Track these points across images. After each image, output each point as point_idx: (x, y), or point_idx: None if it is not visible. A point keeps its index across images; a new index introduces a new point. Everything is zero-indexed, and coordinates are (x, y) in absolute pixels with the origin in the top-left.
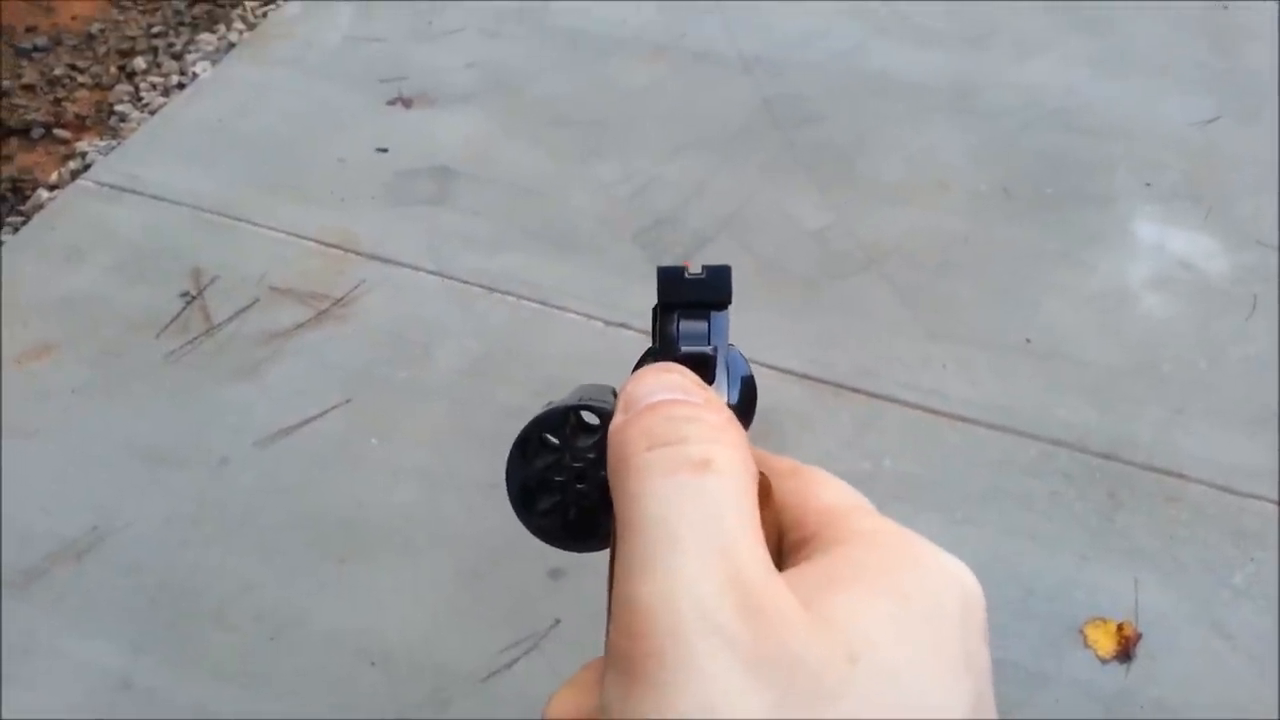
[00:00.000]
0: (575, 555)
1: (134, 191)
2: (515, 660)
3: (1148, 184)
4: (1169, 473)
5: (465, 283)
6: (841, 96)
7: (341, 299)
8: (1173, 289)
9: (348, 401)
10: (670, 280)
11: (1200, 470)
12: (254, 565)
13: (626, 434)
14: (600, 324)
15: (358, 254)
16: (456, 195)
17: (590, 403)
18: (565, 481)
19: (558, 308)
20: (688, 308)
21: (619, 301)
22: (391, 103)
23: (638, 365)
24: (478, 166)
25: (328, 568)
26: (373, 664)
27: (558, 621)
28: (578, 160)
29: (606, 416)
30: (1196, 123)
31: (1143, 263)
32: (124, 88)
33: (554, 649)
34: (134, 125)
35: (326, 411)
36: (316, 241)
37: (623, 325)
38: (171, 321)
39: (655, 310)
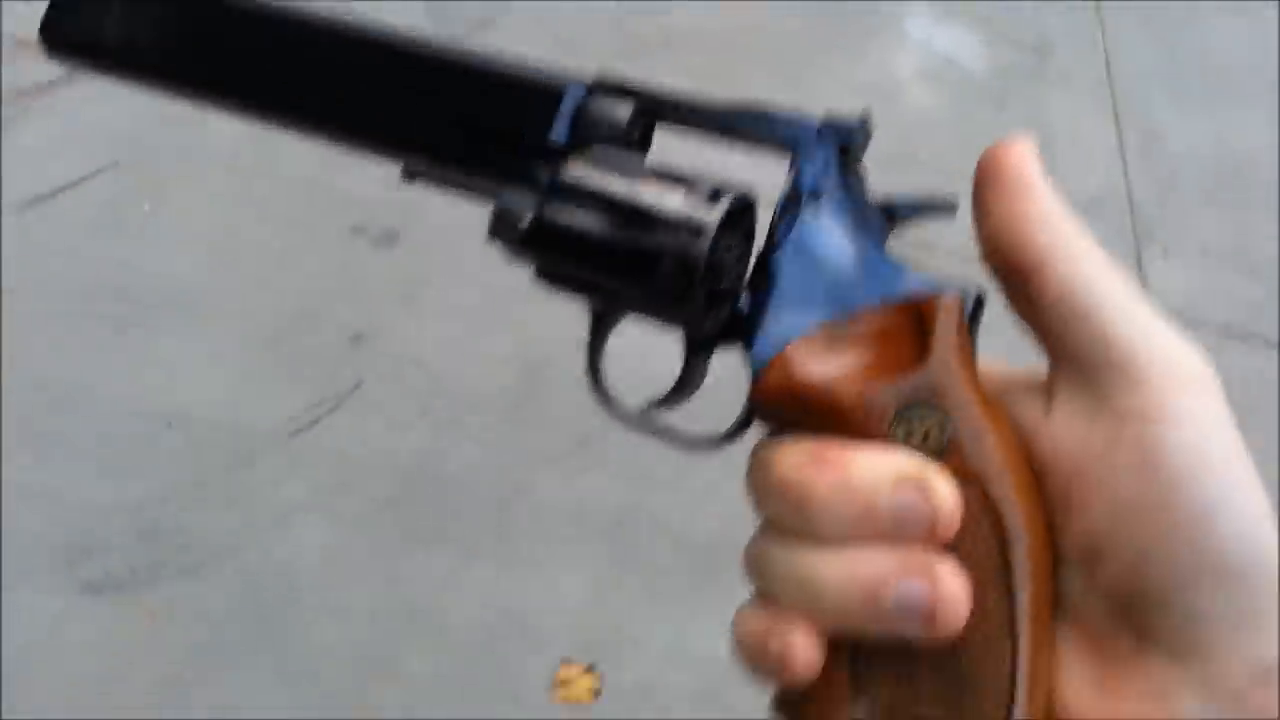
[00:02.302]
0: (373, 321)
1: None
2: (318, 419)
3: None
4: (919, 245)
5: None
6: None
7: None
8: (936, 82)
9: (115, 165)
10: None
11: (947, 246)
12: (25, 335)
13: None
14: None
15: None
16: None
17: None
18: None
19: None
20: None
21: None
22: None
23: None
24: None
25: (108, 335)
26: (170, 426)
27: (360, 382)
28: None
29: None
30: None
31: (911, 57)
32: None
33: (358, 406)
34: None
35: (91, 175)
36: None
37: None
38: None
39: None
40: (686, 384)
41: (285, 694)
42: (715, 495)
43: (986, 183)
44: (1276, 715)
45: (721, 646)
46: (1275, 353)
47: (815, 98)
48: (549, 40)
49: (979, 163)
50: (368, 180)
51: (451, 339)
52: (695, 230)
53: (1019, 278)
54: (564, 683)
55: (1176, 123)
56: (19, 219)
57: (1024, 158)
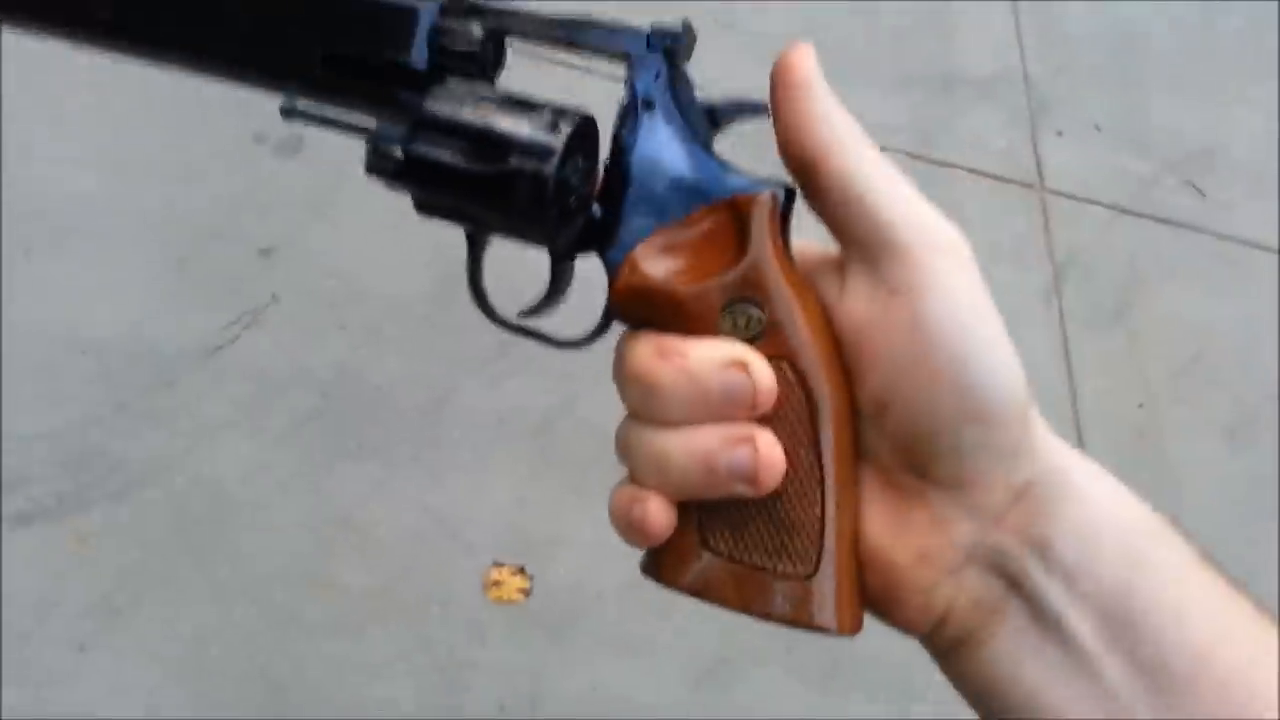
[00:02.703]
0: (283, 234)
1: None
2: (237, 336)
3: None
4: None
5: None
6: None
7: None
8: None
9: None
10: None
11: None
12: None
13: None
14: None
15: None
16: None
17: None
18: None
19: None
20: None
21: None
22: None
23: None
24: None
25: (11, 260)
26: (84, 352)
27: (275, 297)
28: None
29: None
30: None
31: None
32: None
33: (275, 321)
34: None
35: None
36: None
37: None
38: None
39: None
40: (555, 292)
41: (218, 611)
42: None
43: (776, 87)
44: (1031, 529)
45: None
46: (1166, 229)
47: None
48: None
49: (772, 69)
50: None
51: (364, 247)
52: (543, 154)
53: (806, 171)
54: (495, 584)
55: (1071, 1)
56: None
57: (805, 62)
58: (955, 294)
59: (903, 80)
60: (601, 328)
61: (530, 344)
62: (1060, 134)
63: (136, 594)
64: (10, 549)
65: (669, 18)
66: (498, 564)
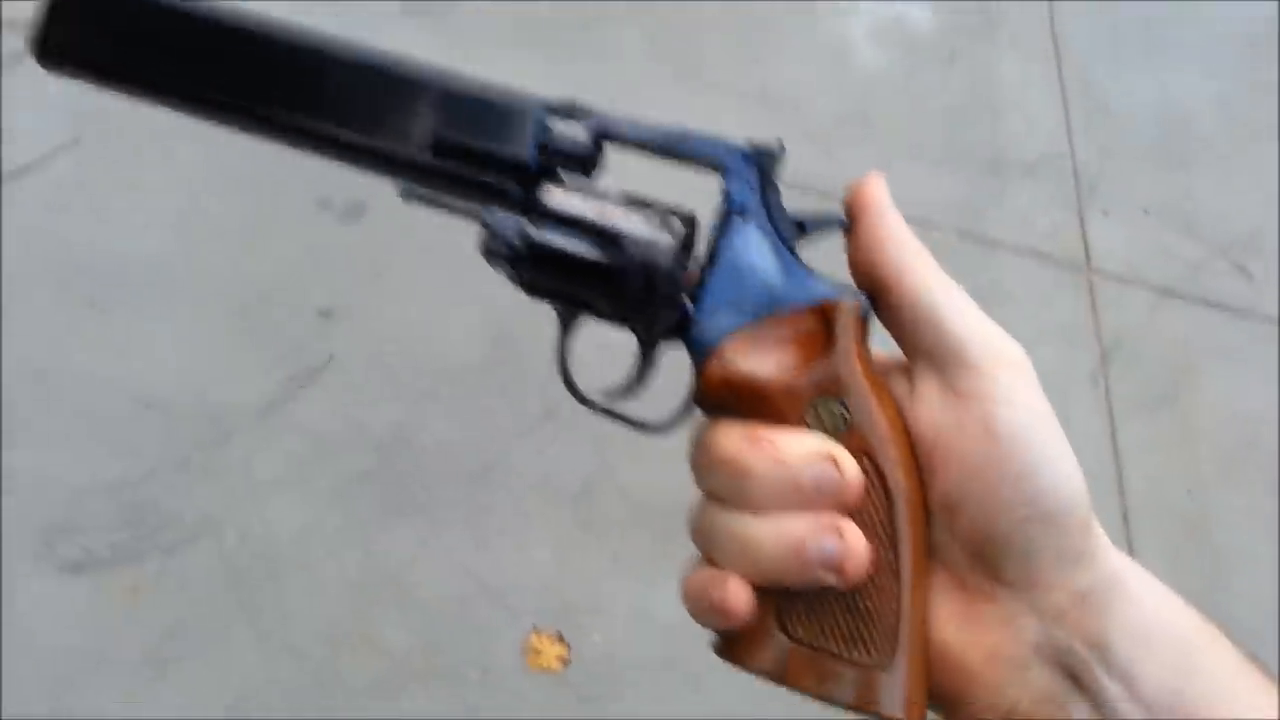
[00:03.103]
0: (342, 296)
1: None
2: (292, 395)
3: None
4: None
5: None
6: None
7: None
8: (885, 42)
9: (76, 142)
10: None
11: (897, 204)
12: None
13: None
14: None
15: None
16: None
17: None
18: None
19: None
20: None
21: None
22: None
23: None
24: None
25: (81, 315)
26: (147, 406)
27: (332, 357)
28: None
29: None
30: None
31: (862, 17)
32: None
33: (331, 381)
34: None
35: (52, 153)
36: None
37: None
38: None
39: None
40: (640, 377)
41: (264, 666)
42: (675, 465)
43: (852, 213)
44: (1092, 630)
45: (683, 612)
46: (1215, 312)
47: (768, 60)
48: (508, 14)
49: (845, 197)
50: None
51: (420, 313)
52: (657, 249)
53: (879, 288)
54: (535, 651)
55: (1119, 83)
56: None
57: (878, 191)
58: (1024, 406)
59: (952, 159)
60: (684, 414)
61: (571, 412)
62: (1107, 215)
63: (183, 646)
64: (63, 597)
65: (722, 101)
66: (538, 631)
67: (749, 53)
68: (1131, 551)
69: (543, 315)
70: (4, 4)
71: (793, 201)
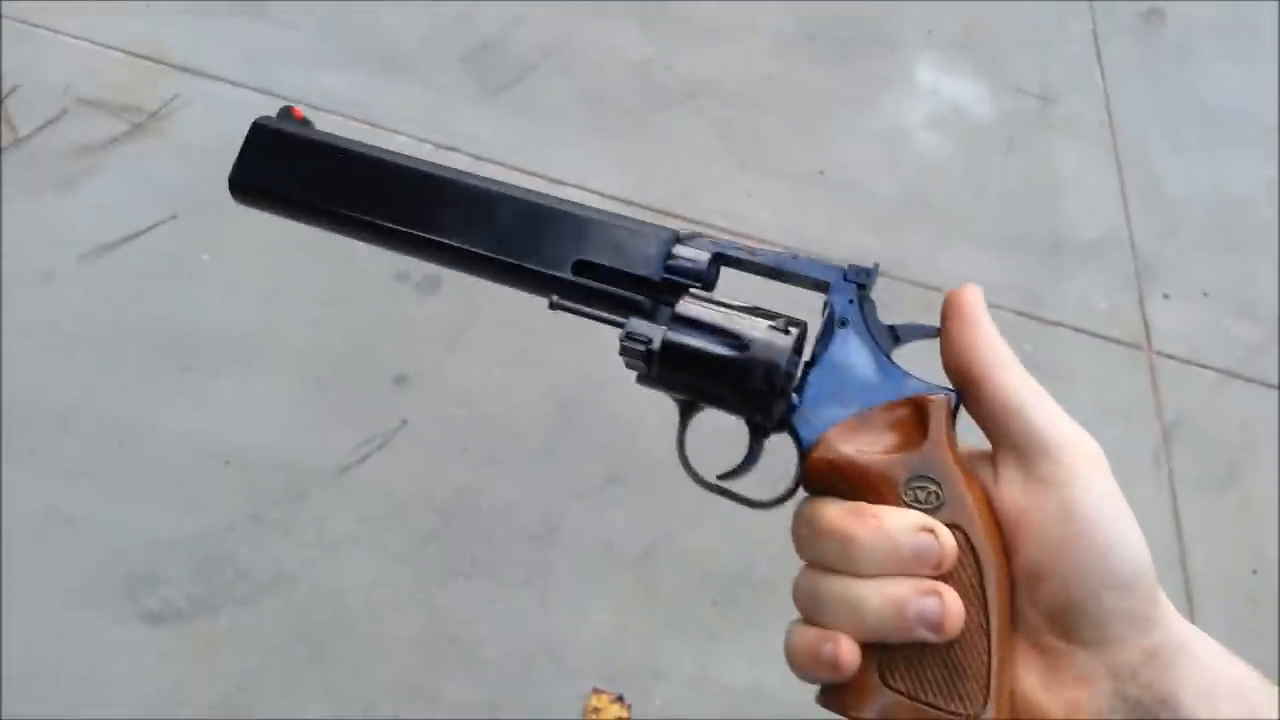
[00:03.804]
0: (417, 364)
1: None
2: (367, 456)
3: (929, 32)
4: (930, 287)
5: (287, 100)
6: None
7: (156, 112)
8: (944, 129)
9: (173, 217)
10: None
11: (956, 286)
12: (92, 376)
13: None
14: (430, 146)
15: (169, 66)
16: (271, 8)
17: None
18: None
19: (388, 129)
20: None
21: (448, 124)
22: None
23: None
24: None
25: (170, 377)
26: (227, 463)
27: (405, 422)
28: None
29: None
30: None
31: (920, 105)
32: None
33: (403, 444)
34: None
35: (152, 227)
36: (124, 51)
37: (452, 149)
38: None
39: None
40: (750, 460)
41: (332, 717)
42: (735, 530)
43: (948, 317)
44: (1162, 686)
45: (743, 675)
46: (1276, 394)
47: (828, 146)
48: (577, 93)
49: (944, 302)
50: None
51: (489, 380)
52: (777, 351)
53: (969, 384)
54: (595, 710)
55: (1175, 166)
56: (87, 268)
57: (974, 298)
58: (1099, 491)
59: (1011, 242)
60: (790, 492)
61: (633, 478)
62: (1167, 297)
63: (256, 697)
64: (142, 647)
65: (782, 185)
66: (598, 691)
67: (809, 139)
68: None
69: (605, 386)
70: (106, 92)
71: None
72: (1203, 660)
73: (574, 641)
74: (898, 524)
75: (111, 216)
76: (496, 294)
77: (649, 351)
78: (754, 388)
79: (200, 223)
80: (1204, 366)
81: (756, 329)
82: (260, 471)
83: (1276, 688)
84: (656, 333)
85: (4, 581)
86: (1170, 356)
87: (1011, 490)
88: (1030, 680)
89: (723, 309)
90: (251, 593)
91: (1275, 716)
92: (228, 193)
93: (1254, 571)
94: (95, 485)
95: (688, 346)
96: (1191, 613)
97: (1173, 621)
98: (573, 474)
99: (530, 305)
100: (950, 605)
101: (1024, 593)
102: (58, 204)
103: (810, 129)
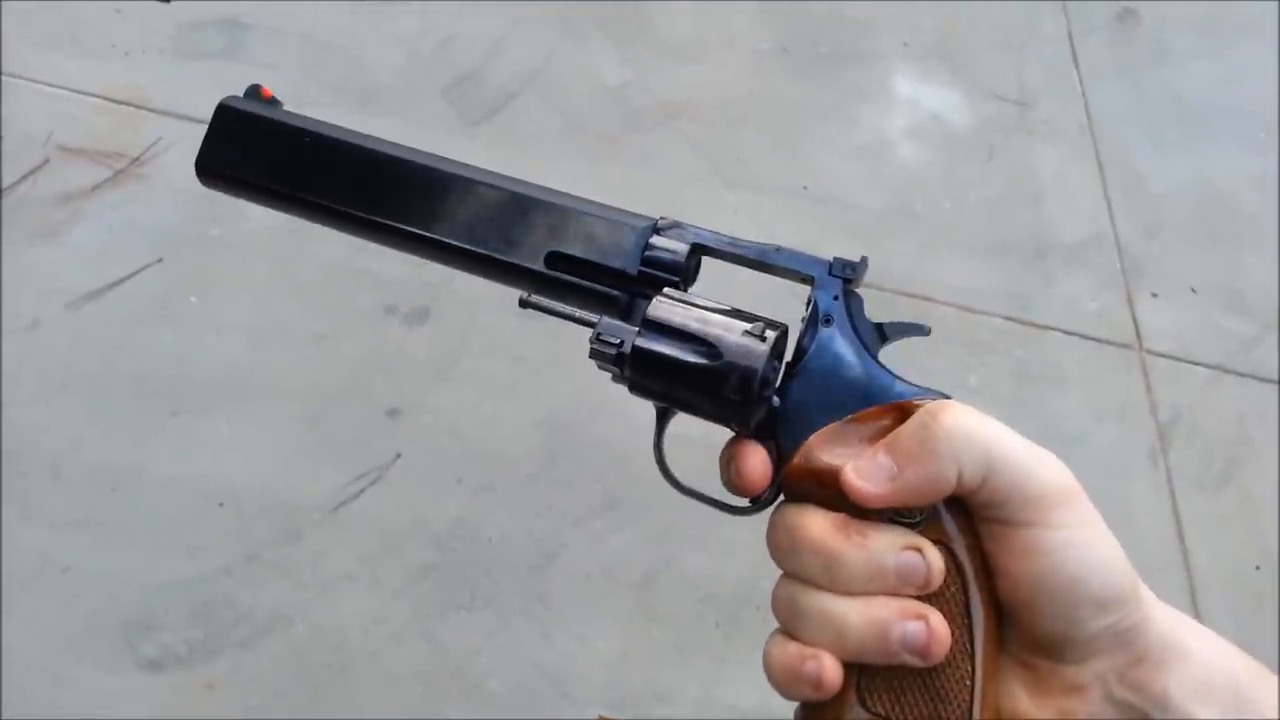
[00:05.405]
0: (410, 396)
1: None
2: (361, 491)
3: (905, 43)
4: (919, 296)
5: None
6: None
7: (139, 158)
8: (924, 139)
9: (159, 261)
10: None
11: (944, 294)
12: (82, 422)
13: None
14: None
15: (150, 110)
16: (249, 48)
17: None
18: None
19: None
20: None
21: None
22: None
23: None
24: (268, 17)
25: (160, 420)
26: (221, 505)
27: (399, 455)
28: (375, 11)
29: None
30: None
31: (900, 116)
32: None
33: (398, 479)
34: None
35: (138, 271)
36: (103, 98)
37: None
38: None
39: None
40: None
41: None
42: (737, 551)
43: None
44: (1154, 686)
45: (748, 696)
46: (1271, 388)
47: (808, 159)
48: (557, 119)
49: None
50: (397, 261)
51: (482, 409)
52: (753, 358)
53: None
54: None
55: (1156, 164)
56: (74, 315)
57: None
58: (1060, 525)
59: (996, 248)
60: (769, 499)
61: (631, 501)
62: (1155, 295)
63: None
64: (141, 695)
65: (763, 199)
66: (603, 717)
67: (791, 154)
68: None
69: (598, 411)
70: (87, 139)
71: None
72: (1194, 656)
73: (578, 669)
74: (883, 543)
75: (97, 263)
76: (484, 324)
77: (620, 354)
78: (728, 396)
79: (186, 265)
80: (1196, 363)
81: (731, 334)
82: (254, 512)
83: (1276, 677)
84: (629, 334)
85: (1, 631)
86: (1162, 355)
87: (990, 528)
88: (1017, 695)
89: (697, 311)
90: (250, 635)
91: (1272, 706)
92: (211, 232)
93: (1257, 567)
94: (88, 533)
95: (657, 354)
96: (1196, 611)
97: (1160, 621)
98: (569, 501)
99: (520, 332)
100: (936, 630)
101: (1009, 620)
102: (43, 253)
103: (792, 144)
